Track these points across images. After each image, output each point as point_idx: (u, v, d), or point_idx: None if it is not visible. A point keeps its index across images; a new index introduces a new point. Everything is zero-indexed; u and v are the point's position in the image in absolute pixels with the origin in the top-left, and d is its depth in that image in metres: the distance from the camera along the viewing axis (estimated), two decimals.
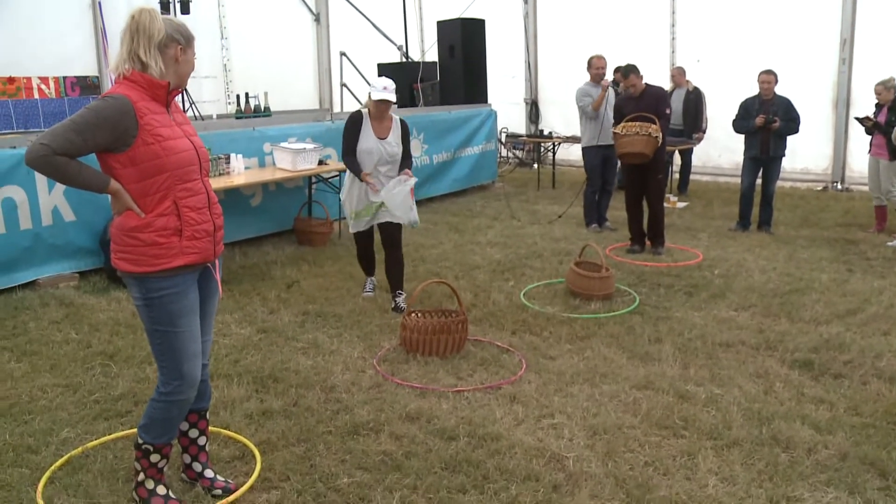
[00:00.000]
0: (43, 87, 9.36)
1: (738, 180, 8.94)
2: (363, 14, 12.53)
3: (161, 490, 3.25)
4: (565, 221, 9.27)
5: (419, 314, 5.29)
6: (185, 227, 2.99)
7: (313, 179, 8.63)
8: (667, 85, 10.58)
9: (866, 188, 9.36)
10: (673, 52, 12.79)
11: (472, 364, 4.90)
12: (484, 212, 10.16)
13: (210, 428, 3.57)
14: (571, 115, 9.47)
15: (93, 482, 3.46)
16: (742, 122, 8.45)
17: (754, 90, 8.47)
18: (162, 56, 2.93)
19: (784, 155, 8.47)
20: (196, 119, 9.36)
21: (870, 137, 8.54)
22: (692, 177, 11.72)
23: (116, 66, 2.95)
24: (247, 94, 9.57)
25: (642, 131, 7.37)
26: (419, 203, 6.07)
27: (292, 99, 11.73)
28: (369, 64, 12.00)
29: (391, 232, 5.95)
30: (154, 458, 3.22)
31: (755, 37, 11.63)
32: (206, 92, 11.15)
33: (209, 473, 3.43)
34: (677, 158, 11.49)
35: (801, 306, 5.96)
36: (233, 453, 3.75)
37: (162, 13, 3.06)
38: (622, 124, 7.52)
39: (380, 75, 11.71)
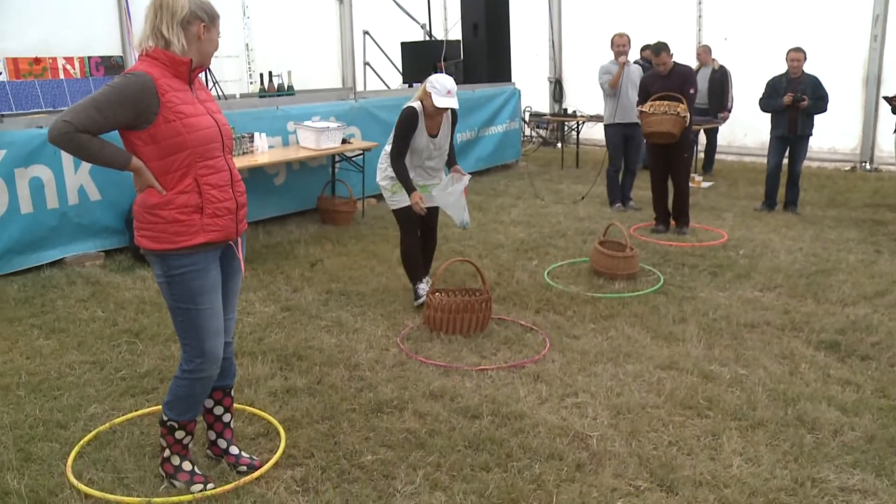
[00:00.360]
0: (68, 67, 9.40)
1: (764, 160, 8.82)
2: None
3: (186, 466, 3.29)
4: (589, 201, 9.21)
5: (443, 293, 5.28)
6: (206, 205, 2.99)
7: (337, 158, 8.62)
8: (693, 63, 10.45)
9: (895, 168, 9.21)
10: (699, 29, 12.61)
11: (496, 343, 4.90)
12: (507, 191, 10.12)
13: (235, 405, 3.59)
14: (596, 94, 9.36)
15: (120, 457, 3.50)
16: (769, 100, 8.31)
17: (781, 69, 8.33)
18: (185, 33, 2.93)
19: (811, 134, 8.33)
20: (219, 98, 9.37)
21: None
22: (717, 156, 11.59)
23: (140, 42, 2.96)
24: (270, 73, 9.57)
25: (670, 110, 7.29)
26: None
27: (315, 78, 11.68)
28: (392, 43, 11.96)
29: (433, 215, 5.84)
30: (179, 434, 3.25)
31: (784, 13, 11.43)
32: (228, 72, 11.14)
33: (234, 450, 3.46)
34: (702, 138, 11.37)
35: (827, 287, 5.89)
36: (257, 430, 3.78)
37: None
38: (649, 102, 7.44)
39: (403, 55, 11.81)
